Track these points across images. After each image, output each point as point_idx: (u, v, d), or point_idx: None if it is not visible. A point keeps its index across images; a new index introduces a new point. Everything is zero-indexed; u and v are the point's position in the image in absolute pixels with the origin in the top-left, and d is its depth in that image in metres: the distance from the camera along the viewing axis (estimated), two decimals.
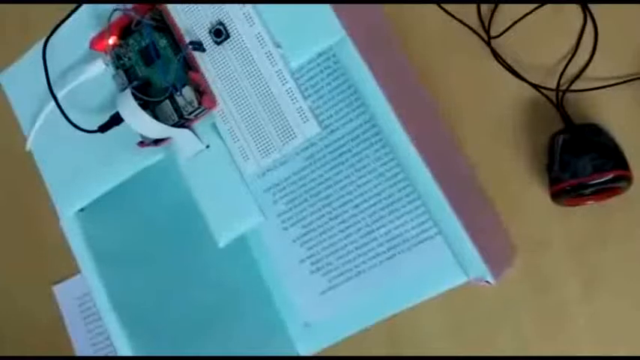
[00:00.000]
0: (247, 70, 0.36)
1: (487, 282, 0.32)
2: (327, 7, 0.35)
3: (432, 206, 0.34)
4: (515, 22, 0.52)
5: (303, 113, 0.35)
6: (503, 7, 0.53)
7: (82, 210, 0.42)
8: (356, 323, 0.52)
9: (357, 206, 0.52)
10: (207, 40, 0.37)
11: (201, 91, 0.37)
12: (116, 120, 0.38)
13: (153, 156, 0.39)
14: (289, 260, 0.53)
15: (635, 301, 0.47)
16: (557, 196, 0.48)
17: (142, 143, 0.38)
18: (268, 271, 0.54)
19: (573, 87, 0.50)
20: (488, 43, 0.53)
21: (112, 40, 0.38)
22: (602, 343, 0.48)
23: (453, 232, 0.33)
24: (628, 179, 0.46)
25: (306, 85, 0.54)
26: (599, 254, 0.48)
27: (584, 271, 0.49)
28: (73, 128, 0.40)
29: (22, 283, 0.68)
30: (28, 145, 0.44)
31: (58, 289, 0.67)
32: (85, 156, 0.41)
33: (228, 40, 0.37)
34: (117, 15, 0.38)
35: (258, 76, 0.36)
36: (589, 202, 0.49)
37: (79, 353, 0.67)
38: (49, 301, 0.67)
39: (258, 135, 0.36)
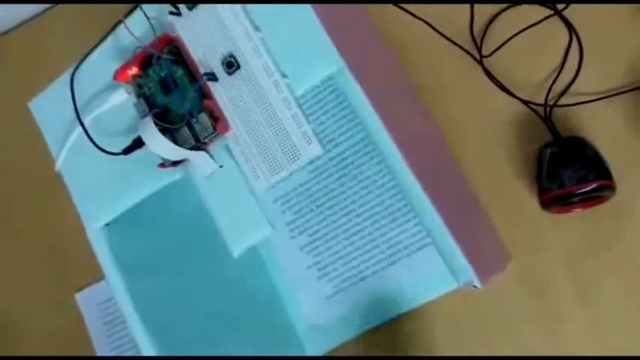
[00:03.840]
0: (256, 98, 0.40)
1: (474, 286, 0.35)
2: (326, 39, 0.38)
3: (424, 217, 0.37)
4: (505, 42, 0.55)
5: (307, 136, 0.39)
6: (494, 27, 0.56)
7: (107, 225, 0.46)
8: (359, 325, 0.55)
9: (359, 215, 0.56)
10: (219, 71, 0.41)
11: (216, 117, 0.41)
12: (138, 144, 0.42)
13: (172, 176, 0.43)
14: (297, 267, 0.57)
15: (627, 302, 0.50)
16: (546, 204, 0.51)
17: (162, 165, 0.42)
18: (278, 277, 0.57)
19: (560, 102, 0.53)
20: (480, 62, 0.56)
21: (133, 71, 0.42)
22: (597, 344, 0.50)
23: (444, 241, 0.36)
24: (611, 188, 0.49)
25: (310, 104, 0.58)
26: (590, 259, 0.51)
27: (576, 275, 0.51)
28: (99, 151, 0.44)
29: (46, 291, 0.71)
30: (58, 166, 0.48)
31: (80, 297, 0.71)
32: (109, 176, 0.45)
33: (239, 70, 0.41)
34: (138, 50, 0.42)
35: (266, 102, 0.40)
36: (577, 210, 0.52)
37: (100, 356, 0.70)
38: (72, 307, 0.71)
39: (267, 156, 0.40)
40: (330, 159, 0.57)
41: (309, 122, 0.39)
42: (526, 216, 0.53)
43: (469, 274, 0.34)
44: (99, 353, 0.69)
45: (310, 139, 0.38)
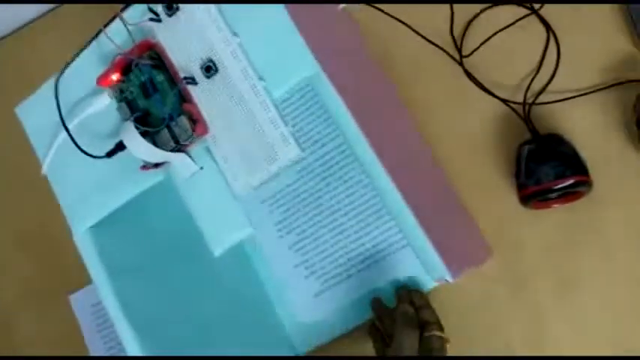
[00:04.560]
0: (234, 101, 0.41)
1: (446, 280, 0.36)
2: (301, 43, 0.39)
3: (399, 218, 0.38)
4: (484, 42, 0.56)
5: (285, 138, 0.40)
6: (474, 28, 0.57)
7: (93, 227, 0.47)
8: (347, 322, 0.56)
9: (345, 214, 0.57)
10: (198, 75, 0.42)
11: (195, 120, 0.41)
12: (121, 147, 0.43)
13: (154, 178, 0.44)
14: (285, 265, 0.58)
15: (605, 295, 0.51)
16: (525, 200, 0.52)
17: (144, 167, 0.43)
18: (267, 276, 0.58)
19: (539, 100, 0.54)
20: (460, 63, 0.57)
21: (115, 77, 0.43)
22: (576, 337, 0.51)
23: (418, 241, 0.37)
24: (588, 184, 0.50)
25: (296, 106, 0.59)
26: (569, 253, 0.52)
27: (556, 269, 0.52)
28: (83, 154, 0.45)
29: (40, 293, 0.71)
30: (44, 170, 0.49)
31: (74, 298, 0.72)
32: (94, 179, 0.46)
33: (218, 74, 0.42)
34: (119, 56, 0.43)
35: (244, 105, 0.41)
36: (555, 206, 0.53)
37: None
38: (66, 309, 0.71)
39: (246, 157, 0.41)
40: (316, 160, 0.58)
41: (286, 124, 0.40)
42: (506, 212, 0.54)
43: (442, 271, 0.35)
44: (92, 354, 0.70)
45: (288, 141, 0.39)
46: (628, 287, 0.50)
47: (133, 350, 0.45)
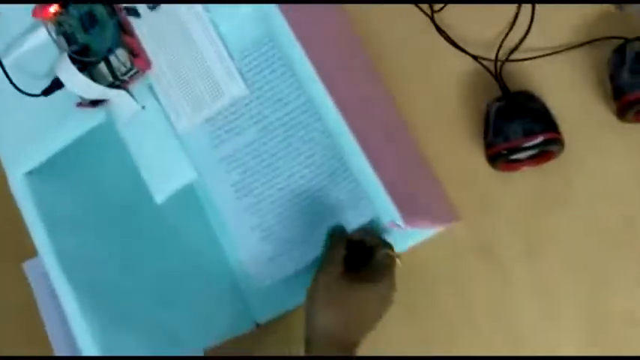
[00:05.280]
0: (178, 34, 0.39)
1: (398, 225, 0.34)
2: None
3: (352, 161, 0.35)
4: None
5: (231, 73, 0.37)
6: None
7: (30, 172, 0.44)
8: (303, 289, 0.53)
9: (303, 176, 0.54)
10: (141, 7, 0.39)
11: (135, 54, 0.39)
12: (58, 84, 0.40)
13: (94, 119, 0.41)
14: (241, 227, 0.55)
15: (575, 259, 0.49)
16: (493, 160, 0.49)
17: (80, 104, 0.40)
18: (223, 237, 0.55)
19: (511, 58, 0.52)
20: (432, 17, 0.54)
21: (53, 9, 0.40)
22: (545, 301, 0.49)
23: (372, 187, 0.35)
24: (559, 142, 0.48)
25: (258, 62, 0.56)
26: (539, 217, 0.50)
27: (526, 233, 0.50)
28: (20, 95, 0.42)
29: None
30: None
31: (28, 266, 0.69)
32: (31, 121, 0.43)
33: (161, 5, 0.39)
34: None
35: (188, 38, 0.38)
36: (525, 168, 0.50)
37: (48, 328, 0.68)
38: (20, 277, 0.69)
39: (190, 94, 0.38)
40: (278, 119, 0.55)
41: (232, 59, 0.37)
42: (476, 174, 0.51)
43: (393, 213, 0.33)
44: (47, 323, 0.68)
45: (233, 76, 0.37)
46: (597, 251, 0.48)
47: (71, 307, 0.42)
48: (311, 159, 0.53)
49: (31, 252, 0.66)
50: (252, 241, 0.54)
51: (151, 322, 0.47)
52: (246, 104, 0.49)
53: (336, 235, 0.50)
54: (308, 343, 0.44)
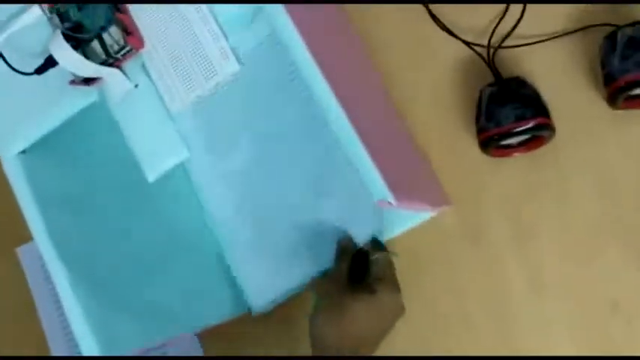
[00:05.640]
0: (172, 12, 0.39)
1: (390, 203, 0.34)
2: None
3: (349, 148, 0.35)
4: None
5: (225, 52, 0.37)
6: None
7: (23, 152, 0.44)
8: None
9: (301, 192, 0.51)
10: None
11: (129, 32, 0.39)
12: (51, 62, 0.40)
13: (87, 98, 0.41)
14: (240, 242, 0.53)
15: (564, 246, 0.49)
16: (484, 145, 0.50)
17: (72, 82, 0.40)
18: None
19: (504, 44, 0.52)
20: (426, 5, 0.55)
21: None
22: (534, 286, 0.50)
23: (364, 164, 0.35)
24: (549, 127, 0.48)
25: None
26: (529, 203, 0.50)
27: (515, 220, 0.51)
28: (13, 73, 0.42)
29: None
30: None
31: (22, 251, 0.69)
32: (24, 100, 0.43)
33: None
34: None
35: (182, 17, 0.38)
36: (516, 154, 0.51)
37: (41, 313, 0.68)
38: (14, 262, 0.69)
39: (183, 73, 0.38)
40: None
41: (226, 38, 0.37)
42: (468, 160, 0.52)
43: (384, 191, 0.33)
44: (40, 309, 0.68)
45: (227, 55, 0.37)
46: (587, 237, 0.49)
47: (62, 284, 0.42)
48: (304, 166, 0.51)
49: (27, 238, 0.68)
50: (252, 257, 0.53)
51: (142, 301, 0.46)
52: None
53: (343, 246, 0.49)
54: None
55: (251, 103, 0.49)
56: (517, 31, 0.52)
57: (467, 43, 0.53)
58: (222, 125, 0.51)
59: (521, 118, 0.47)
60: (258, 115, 0.52)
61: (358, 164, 0.34)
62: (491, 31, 0.52)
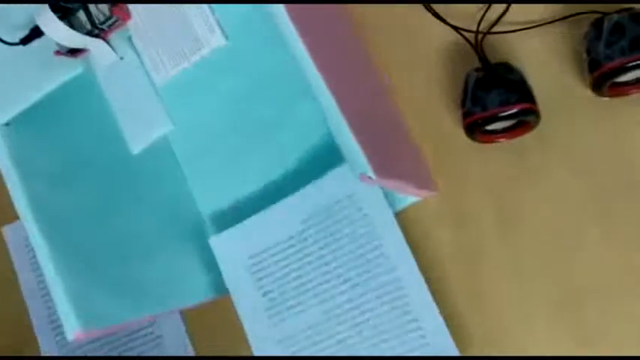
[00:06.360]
0: None
1: (370, 177, 0.34)
2: None
3: (330, 117, 0.36)
4: None
5: (211, 26, 0.37)
6: None
7: (7, 124, 0.44)
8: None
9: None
10: None
11: (115, 3, 0.39)
12: (37, 33, 0.40)
13: (72, 70, 0.41)
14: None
15: (547, 231, 0.49)
16: (470, 130, 0.50)
17: (57, 52, 0.40)
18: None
19: (492, 31, 0.53)
20: None
21: None
22: (517, 273, 0.50)
23: (344, 138, 0.35)
24: (534, 113, 0.48)
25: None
26: (514, 190, 0.50)
27: (499, 206, 0.51)
28: None
29: None
30: None
31: (7, 230, 0.69)
32: (8, 71, 0.42)
33: None
34: None
35: None
36: (502, 140, 0.51)
37: (25, 292, 0.68)
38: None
39: (169, 46, 0.38)
40: None
41: (213, 12, 0.37)
42: (453, 146, 0.52)
43: (364, 165, 0.33)
44: (25, 290, 0.68)
45: (213, 29, 0.37)
46: (570, 223, 0.49)
47: (44, 257, 0.42)
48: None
49: (9, 216, 0.67)
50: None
51: (124, 277, 0.46)
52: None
53: None
54: None
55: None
56: (506, 17, 0.52)
57: (455, 29, 0.53)
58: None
59: (505, 103, 0.47)
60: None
61: (338, 136, 0.34)
62: (480, 16, 0.52)
